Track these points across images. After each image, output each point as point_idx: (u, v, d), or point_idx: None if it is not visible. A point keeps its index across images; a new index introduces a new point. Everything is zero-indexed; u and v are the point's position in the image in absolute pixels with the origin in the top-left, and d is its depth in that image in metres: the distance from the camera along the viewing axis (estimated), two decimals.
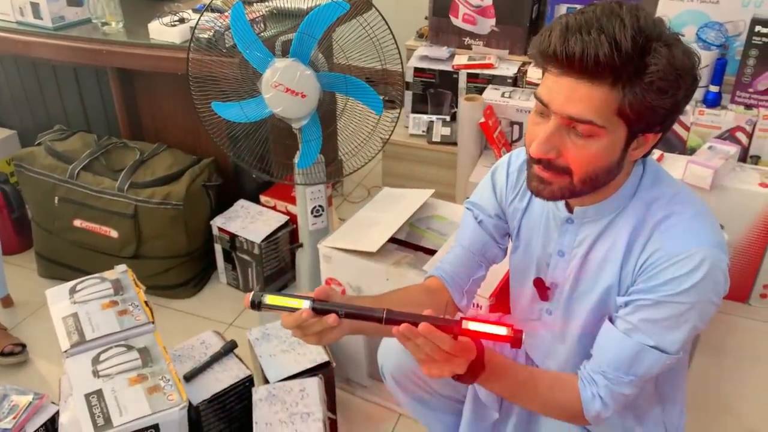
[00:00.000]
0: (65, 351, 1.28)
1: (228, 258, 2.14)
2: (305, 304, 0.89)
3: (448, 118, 2.42)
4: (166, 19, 1.92)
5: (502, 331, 0.85)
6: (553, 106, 0.88)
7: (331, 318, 0.89)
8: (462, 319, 0.86)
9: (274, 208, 2.17)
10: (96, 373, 1.23)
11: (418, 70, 2.42)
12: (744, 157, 2.06)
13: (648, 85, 0.84)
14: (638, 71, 0.83)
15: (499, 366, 1.00)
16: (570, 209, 1.04)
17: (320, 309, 0.89)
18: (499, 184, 1.16)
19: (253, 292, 0.91)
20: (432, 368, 0.90)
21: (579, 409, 1.01)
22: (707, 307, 0.95)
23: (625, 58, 0.82)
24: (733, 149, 1.95)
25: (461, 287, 1.17)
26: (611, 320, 1.00)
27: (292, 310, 0.90)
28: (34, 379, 1.82)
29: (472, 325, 0.85)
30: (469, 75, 2.35)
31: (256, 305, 0.90)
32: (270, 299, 0.90)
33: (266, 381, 1.51)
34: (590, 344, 1.05)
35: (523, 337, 0.84)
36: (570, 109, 0.86)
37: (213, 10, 1.76)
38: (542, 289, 1.10)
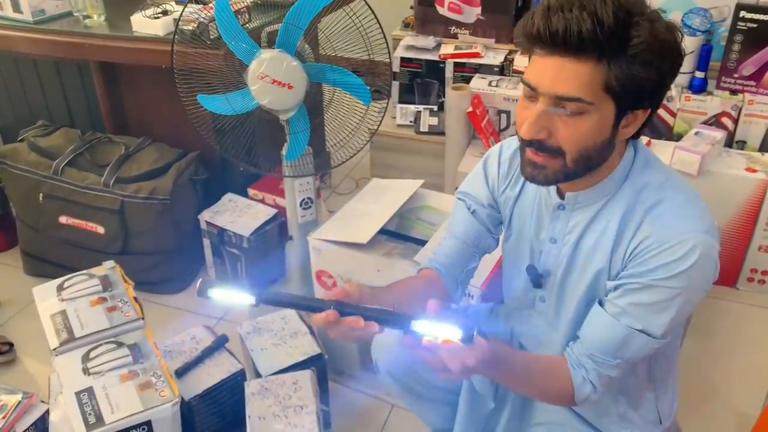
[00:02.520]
0: (54, 349, 1.27)
1: (217, 252, 2.13)
2: (251, 298, 0.90)
3: (435, 107, 2.41)
4: (149, 12, 1.89)
5: (452, 331, 0.84)
6: (541, 88, 0.88)
7: (358, 321, 0.88)
8: (411, 321, 0.86)
9: (262, 201, 2.16)
10: (86, 371, 1.22)
11: (404, 60, 2.41)
12: (730, 142, 2.07)
13: (632, 58, 0.84)
14: (622, 44, 0.84)
15: (495, 353, 1.00)
16: (561, 196, 1.04)
17: (266, 300, 0.90)
18: (491, 173, 1.16)
19: (201, 280, 0.91)
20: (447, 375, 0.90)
21: (570, 392, 1.02)
22: (696, 293, 0.95)
23: (607, 33, 0.83)
24: (720, 135, 1.96)
25: (455, 278, 1.18)
26: (600, 303, 1.01)
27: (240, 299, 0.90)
28: (23, 378, 1.80)
29: (420, 326, 0.85)
30: (456, 64, 2.35)
31: (203, 294, 0.90)
32: (215, 293, 0.90)
33: (258, 375, 1.50)
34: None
35: (475, 334, 0.84)
36: (558, 88, 0.87)
37: (197, 2, 1.74)
38: (535, 276, 1.11)
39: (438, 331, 0.85)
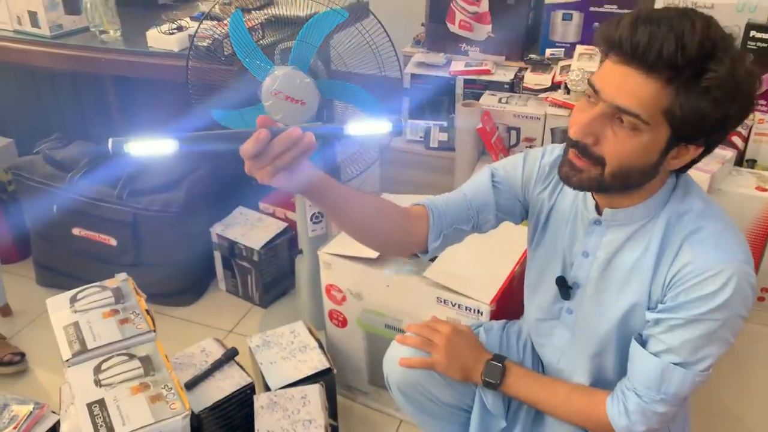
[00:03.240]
0: (67, 360, 1.28)
1: (227, 265, 2.14)
2: (172, 143, 0.83)
3: (445, 123, 2.42)
4: (164, 27, 1.92)
5: (383, 124, 0.89)
6: (604, 94, 0.88)
7: (295, 131, 0.83)
8: (343, 126, 0.89)
9: (273, 214, 2.18)
10: (98, 383, 1.23)
11: (415, 77, 2.43)
12: (740, 160, 2.07)
13: (704, 91, 0.84)
14: (697, 75, 0.83)
15: (521, 372, 1.04)
16: (599, 211, 1.05)
17: (185, 139, 0.83)
18: (528, 168, 1.15)
19: (110, 140, 0.82)
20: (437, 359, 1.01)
21: (601, 419, 1.04)
22: (737, 321, 0.96)
23: (687, 59, 0.82)
24: (730, 153, 1.96)
25: (441, 228, 1.14)
26: (642, 337, 1.01)
27: (160, 148, 0.83)
28: (34, 388, 1.82)
29: (353, 129, 0.88)
30: (466, 81, 2.36)
31: (118, 149, 0.82)
32: (132, 146, 0.82)
33: (267, 388, 1.51)
34: (608, 356, 1.07)
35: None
36: (619, 99, 0.87)
37: (211, 19, 1.77)
38: (564, 287, 1.11)
39: (369, 127, 0.88)
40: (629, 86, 0.86)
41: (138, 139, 0.82)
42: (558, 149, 1.15)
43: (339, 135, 0.87)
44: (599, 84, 0.89)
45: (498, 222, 1.18)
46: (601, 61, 0.92)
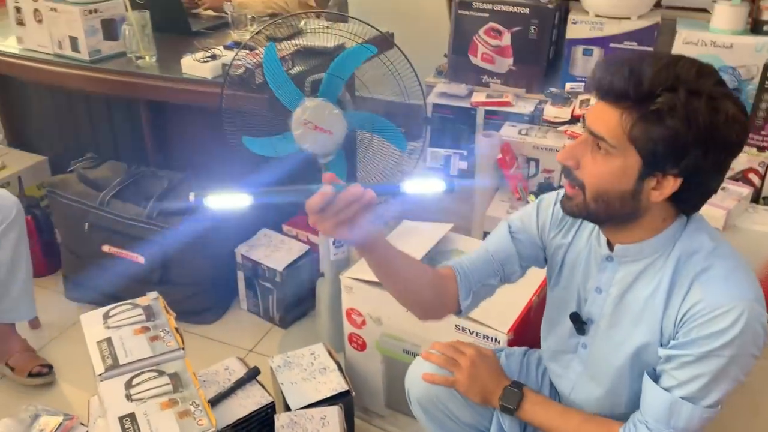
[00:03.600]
0: (99, 374, 1.33)
1: (250, 285, 2.20)
2: (248, 198, 0.91)
3: (465, 153, 2.48)
4: (199, 55, 2.00)
5: (437, 183, 0.95)
6: (587, 122, 0.99)
7: (357, 188, 0.92)
8: (400, 184, 0.97)
9: (296, 237, 2.23)
10: (129, 397, 1.28)
11: (437, 106, 2.49)
12: (756, 198, 2.10)
13: (655, 117, 0.91)
14: (648, 99, 0.91)
15: (538, 399, 1.10)
16: (611, 248, 1.09)
17: (259, 193, 0.92)
18: (542, 215, 1.21)
19: (193, 193, 0.92)
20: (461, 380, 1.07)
21: None
22: (747, 359, 0.98)
23: (636, 90, 0.92)
24: (746, 190, 1.99)
25: (470, 285, 1.21)
26: (655, 372, 1.05)
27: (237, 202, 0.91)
28: (60, 400, 1.87)
29: (409, 186, 0.95)
30: (487, 112, 2.42)
31: (199, 202, 0.91)
32: (211, 200, 0.91)
33: (287, 408, 1.55)
34: (622, 390, 1.11)
35: (454, 186, 0.95)
36: (594, 126, 0.97)
37: (243, 48, 1.84)
38: (578, 323, 1.15)
39: (424, 186, 0.94)
40: (601, 116, 0.96)
41: (216, 193, 0.91)
42: None
43: (396, 193, 0.94)
44: (586, 117, 1.00)
45: (524, 271, 1.25)
46: None
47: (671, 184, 0.96)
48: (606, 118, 0.95)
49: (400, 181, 0.95)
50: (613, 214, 1.01)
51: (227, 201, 0.92)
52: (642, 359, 1.07)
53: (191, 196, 0.90)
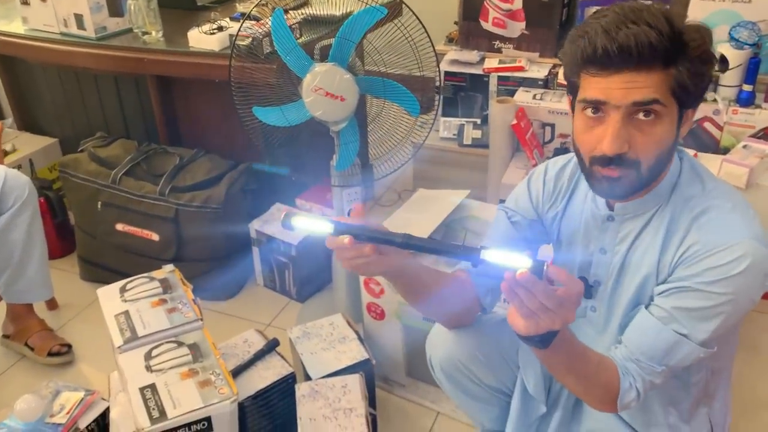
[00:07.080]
0: (119, 347, 1.33)
1: (265, 260, 2.18)
2: (329, 227, 0.95)
3: (479, 121, 2.44)
4: (205, 28, 1.97)
5: (522, 260, 0.83)
6: (613, 101, 0.91)
7: (367, 248, 0.94)
8: (480, 251, 0.87)
9: (309, 210, 2.21)
10: (149, 368, 1.27)
11: (448, 74, 2.45)
12: None
13: (697, 58, 0.90)
14: (683, 48, 0.90)
15: (566, 335, 0.99)
16: (610, 207, 1.06)
17: (340, 231, 0.95)
18: (535, 191, 1.18)
19: (285, 213, 0.98)
20: (529, 323, 0.86)
21: (615, 395, 1.02)
22: (743, 302, 0.96)
23: (669, 40, 0.88)
24: None
25: (486, 285, 1.18)
26: (647, 308, 1.02)
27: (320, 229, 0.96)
28: (80, 378, 1.87)
29: (490, 255, 0.86)
30: (500, 78, 2.38)
31: (288, 225, 0.97)
32: (296, 220, 0.97)
33: (308, 378, 1.54)
34: None
35: (546, 269, 0.82)
36: (634, 96, 0.90)
37: (250, 18, 1.81)
38: (586, 287, 1.12)
39: (508, 259, 0.85)
40: (635, 85, 0.89)
41: (304, 216, 0.98)
42: (562, 160, 1.17)
43: (475, 262, 0.88)
44: (603, 96, 0.91)
45: (535, 254, 1.22)
46: (572, 82, 0.96)
47: (691, 116, 0.97)
48: (644, 84, 0.89)
49: (481, 248, 0.87)
50: (658, 174, 0.99)
51: (311, 226, 0.97)
52: (641, 301, 1.05)
53: (282, 216, 0.98)
